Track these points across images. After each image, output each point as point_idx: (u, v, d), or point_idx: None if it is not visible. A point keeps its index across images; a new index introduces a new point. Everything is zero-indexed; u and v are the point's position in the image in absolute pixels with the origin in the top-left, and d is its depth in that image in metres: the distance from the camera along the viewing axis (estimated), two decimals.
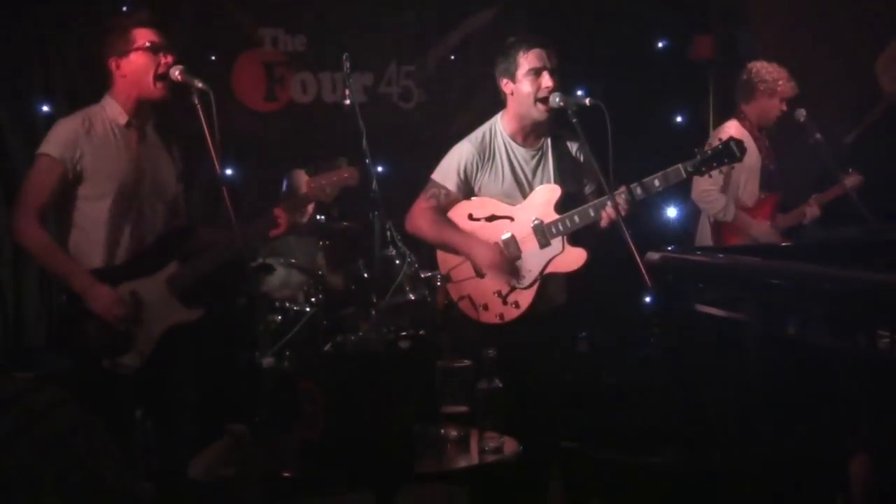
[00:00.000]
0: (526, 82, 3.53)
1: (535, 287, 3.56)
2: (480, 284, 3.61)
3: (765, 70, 4.75)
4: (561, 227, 3.54)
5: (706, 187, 4.72)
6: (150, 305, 3.47)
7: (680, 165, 3.41)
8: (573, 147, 3.69)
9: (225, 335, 4.89)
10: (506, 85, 3.60)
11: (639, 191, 3.42)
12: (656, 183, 3.41)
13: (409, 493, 2.93)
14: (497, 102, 3.77)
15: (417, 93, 6.08)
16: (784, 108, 4.75)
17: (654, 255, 2.99)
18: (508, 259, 3.57)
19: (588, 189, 3.72)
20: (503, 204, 3.63)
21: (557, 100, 3.53)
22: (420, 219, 3.74)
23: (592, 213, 3.47)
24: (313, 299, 5.05)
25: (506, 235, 3.63)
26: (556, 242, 3.56)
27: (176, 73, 3.47)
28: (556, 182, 3.63)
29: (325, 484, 3.39)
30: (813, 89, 4.94)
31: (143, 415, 2.93)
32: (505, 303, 3.56)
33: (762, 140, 4.86)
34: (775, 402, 1.99)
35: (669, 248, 2.53)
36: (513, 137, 3.66)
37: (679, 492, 2.72)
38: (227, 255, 3.54)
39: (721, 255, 3.00)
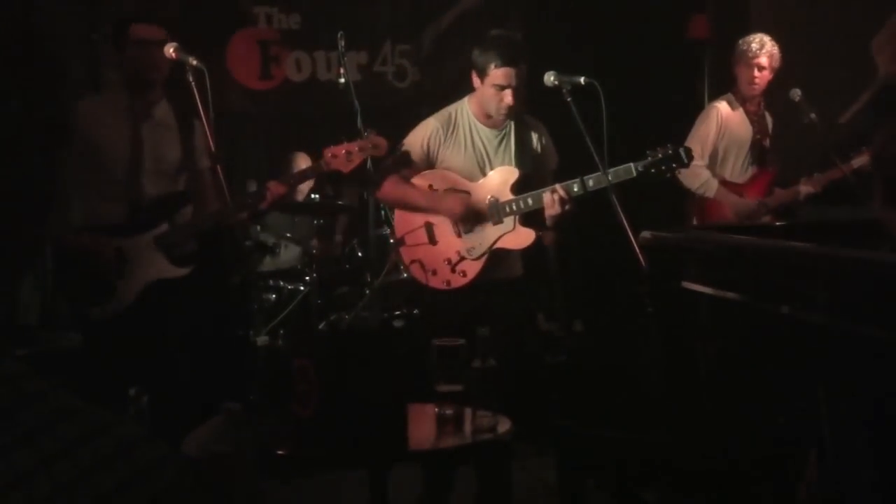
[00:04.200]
0: (491, 92, 3.64)
1: (483, 259, 3.70)
2: (432, 250, 3.74)
3: (747, 39, 4.66)
4: (514, 207, 3.66)
5: None
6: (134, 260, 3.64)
7: (631, 164, 3.49)
8: (534, 135, 3.81)
9: (220, 313, 4.91)
10: (475, 78, 3.72)
11: (590, 182, 3.52)
12: (609, 177, 3.49)
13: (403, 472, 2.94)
14: None
15: (412, 72, 6.07)
16: (755, 74, 4.63)
17: (647, 234, 3.01)
18: (473, 207, 3.68)
19: (546, 175, 3.82)
20: (462, 179, 3.73)
21: (552, 79, 3.56)
22: (387, 184, 3.83)
23: (545, 198, 3.58)
24: (307, 278, 5.05)
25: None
26: (508, 221, 3.69)
27: (170, 50, 3.46)
28: (515, 165, 3.73)
29: (320, 462, 3.41)
30: (809, 69, 4.91)
31: (138, 392, 2.93)
32: (453, 271, 3.70)
33: (755, 114, 4.78)
34: (766, 381, 2.00)
35: (650, 230, 2.55)
36: (478, 118, 3.77)
37: (673, 469, 2.73)
38: (213, 222, 3.72)
39: (712, 234, 3.01)
